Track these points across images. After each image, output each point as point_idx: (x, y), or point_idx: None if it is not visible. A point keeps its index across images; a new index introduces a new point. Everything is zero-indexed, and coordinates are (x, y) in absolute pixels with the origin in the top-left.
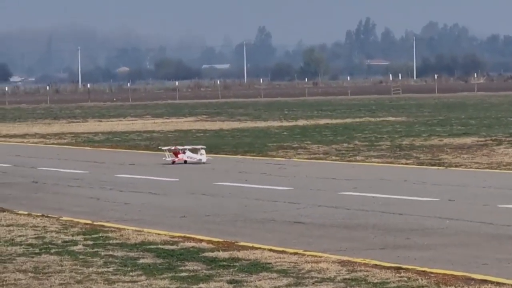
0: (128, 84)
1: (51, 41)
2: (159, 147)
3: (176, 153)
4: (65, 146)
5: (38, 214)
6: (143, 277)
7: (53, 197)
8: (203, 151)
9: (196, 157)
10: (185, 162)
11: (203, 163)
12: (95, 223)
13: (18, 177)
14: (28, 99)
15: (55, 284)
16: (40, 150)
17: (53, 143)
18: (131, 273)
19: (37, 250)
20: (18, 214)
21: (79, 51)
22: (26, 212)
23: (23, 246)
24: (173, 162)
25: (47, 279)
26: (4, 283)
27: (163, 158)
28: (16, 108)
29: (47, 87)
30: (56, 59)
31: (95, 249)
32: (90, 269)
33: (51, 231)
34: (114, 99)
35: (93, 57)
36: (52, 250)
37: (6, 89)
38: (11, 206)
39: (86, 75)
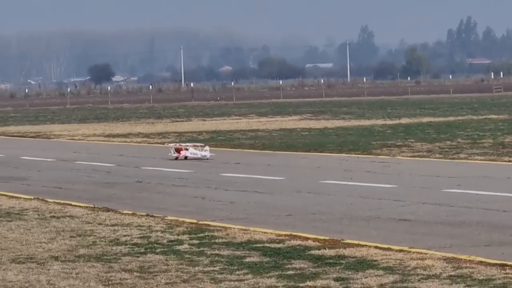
0: (232, 83)
1: (154, 41)
2: (166, 144)
3: (178, 150)
4: (170, 145)
5: (143, 213)
6: (249, 276)
7: (157, 197)
8: (207, 148)
9: (199, 153)
10: (186, 158)
11: (207, 159)
12: (200, 222)
13: (122, 176)
14: (130, 99)
15: (161, 284)
16: (143, 150)
17: (156, 143)
18: (237, 272)
19: (142, 250)
20: (122, 213)
21: (182, 51)
22: (130, 212)
23: (128, 245)
24: (176, 158)
25: (153, 279)
26: (109, 282)
27: (169, 154)
28: (119, 108)
29: (150, 87)
30: (159, 58)
31: (201, 248)
32: (196, 268)
33: (156, 231)
34: (218, 98)
35: (196, 56)
36: (158, 250)
37: (109, 88)
38: (115, 206)
39: (189, 74)
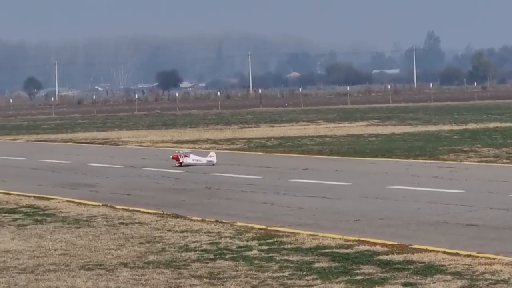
0: (300, 89)
1: (222, 47)
2: (177, 151)
3: (175, 157)
4: (237, 152)
5: (212, 219)
6: (318, 281)
7: (226, 203)
8: (213, 153)
9: (203, 159)
10: (181, 164)
11: (213, 164)
12: (269, 228)
13: (191, 183)
14: (198, 105)
15: None
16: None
17: (225, 149)
18: (306, 277)
19: (211, 256)
20: (192, 220)
21: (250, 57)
22: (200, 218)
23: (197, 252)
24: (180, 164)
25: (222, 285)
26: None
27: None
28: (187, 114)
29: (218, 93)
30: (227, 64)
31: (270, 254)
32: (266, 274)
33: (226, 237)
34: (286, 104)
35: (264, 62)
36: (227, 256)
37: (177, 95)
38: (184, 212)
39: (257, 80)
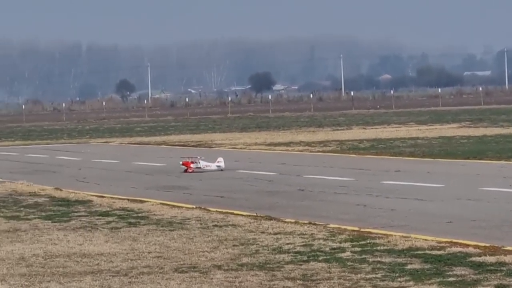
0: (391, 91)
1: (314, 49)
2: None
3: (186, 164)
4: (330, 154)
5: (305, 221)
6: (411, 283)
7: (319, 205)
8: (220, 159)
9: (212, 165)
10: (192, 170)
11: (222, 170)
12: (362, 229)
13: (284, 185)
14: (291, 107)
15: None
16: (305, 158)
17: (318, 151)
18: (399, 279)
19: (305, 258)
20: (285, 222)
21: (342, 59)
22: (293, 220)
23: (291, 253)
24: (186, 171)
25: (316, 286)
26: None
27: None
28: (280, 117)
29: (311, 95)
30: (319, 67)
31: (363, 256)
32: (359, 275)
33: (319, 239)
34: (378, 107)
35: (356, 65)
36: (320, 257)
37: (270, 97)
38: (278, 214)
39: (349, 83)
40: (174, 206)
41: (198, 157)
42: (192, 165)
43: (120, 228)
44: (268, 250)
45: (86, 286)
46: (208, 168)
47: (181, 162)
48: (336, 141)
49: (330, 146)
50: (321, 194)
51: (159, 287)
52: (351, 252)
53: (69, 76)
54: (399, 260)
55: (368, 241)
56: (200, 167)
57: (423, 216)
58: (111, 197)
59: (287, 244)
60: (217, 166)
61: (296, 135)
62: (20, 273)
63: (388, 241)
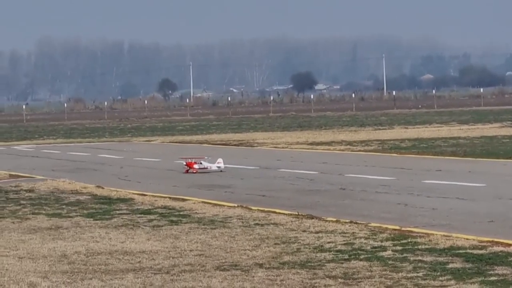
0: (433, 91)
1: (356, 49)
2: (179, 158)
3: (190, 164)
4: (371, 153)
5: (347, 220)
6: (452, 282)
7: (361, 204)
8: (220, 160)
9: (213, 165)
10: (188, 171)
11: (221, 171)
12: (403, 228)
13: (326, 184)
14: (333, 107)
15: None
16: (346, 157)
17: (359, 150)
18: (440, 278)
19: (346, 256)
20: (326, 221)
21: (384, 59)
22: (334, 219)
23: (332, 252)
24: (186, 172)
25: (357, 285)
26: None
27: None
28: (322, 116)
29: (353, 95)
30: (361, 66)
31: (404, 255)
32: (400, 274)
33: (360, 237)
34: (420, 106)
35: (398, 65)
36: (361, 256)
37: (312, 97)
38: (319, 213)
39: (391, 83)
40: (215, 204)
41: (206, 157)
42: (195, 166)
43: (162, 226)
44: (310, 248)
45: (128, 283)
46: (210, 169)
47: (184, 163)
48: (378, 140)
49: (371, 146)
50: (362, 193)
51: (201, 285)
52: (392, 251)
53: (111, 74)
54: (440, 259)
55: (409, 240)
56: (204, 167)
57: (464, 215)
58: (152, 195)
59: (329, 242)
60: (217, 167)
61: (338, 134)
62: (62, 270)
63: (430, 240)
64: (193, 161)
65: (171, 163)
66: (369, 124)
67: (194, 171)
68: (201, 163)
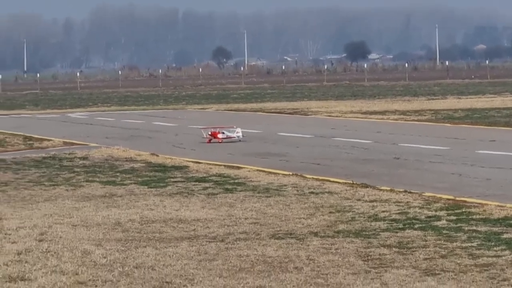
0: (486, 61)
1: (409, 19)
2: (199, 128)
3: (214, 134)
4: (425, 123)
5: (401, 190)
6: (507, 252)
7: (415, 173)
8: (238, 129)
9: (233, 135)
10: (210, 141)
11: (239, 140)
12: (457, 198)
13: (380, 153)
14: (386, 76)
15: (420, 259)
16: (400, 127)
17: (413, 120)
18: (495, 248)
19: (400, 225)
20: (380, 190)
21: (437, 29)
22: (388, 188)
23: (386, 221)
24: (209, 141)
25: (412, 254)
26: (369, 258)
27: (202, 137)
28: (375, 85)
29: (405, 65)
30: (414, 36)
31: (458, 224)
32: (454, 243)
33: (414, 207)
34: (473, 76)
35: (451, 34)
36: (416, 225)
37: (365, 66)
38: (373, 182)
39: (444, 53)
40: (270, 172)
41: (234, 126)
42: (219, 135)
43: (217, 194)
44: (364, 217)
45: (183, 251)
46: (231, 138)
47: (209, 132)
48: (431, 110)
49: (425, 115)
50: (416, 162)
51: (256, 253)
52: (446, 220)
53: (165, 42)
54: (495, 229)
55: (463, 210)
56: (229, 136)
57: None
58: (207, 163)
59: (383, 211)
60: (237, 135)
61: (391, 104)
62: (116, 238)
63: (484, 210)
64: (217, 131)
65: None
66: (422, 94)
67: (220, 141)
68: (223, 133)
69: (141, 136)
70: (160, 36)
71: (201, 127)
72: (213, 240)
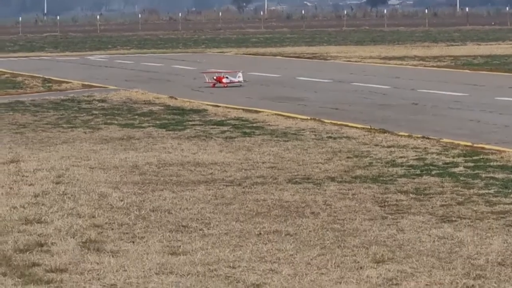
0: (507, 8)
1: None
2: (200, 72)
3: (219, 79)
4: (444, 69)
5: (419, 135)
6: None
7: (433, 119)
8: (240, 74)
9: (235, 79)
10: (214, 85)
11: (240, 85)
12: (475, 145)
13: (398, 98)
14: (406, 22)
15: (436, 206)
16: (419, 73)
17: (432, 66)
18: (511, 195)
19: (418, 172)
20: (398, 135)
21: None
22: (406, 134)
23: (404, 167)
24: (213, 85)
25: (428, 200)
26: (385, 204)
27: (204, 81)
28: (395, 31)
29: (425, 11)
30: None
31: (476, 171)
32: (471, 190)
33: (432, 153)
34: (493, 23)
35: None
36: (433, 172)
37: (385, 11)
38: (391, 127)
39: None
40: (288, 117)
41: (240, 71)
42: (224, 80)
43: (235, 137)
44: (382, 163)
45: (200, 195)
46: (233, 82)
47: (214, 77)
48: (450, 56)
49: (444, 62)
50: (434, 108)
51: (273, 198)
52: (464, 167)
53: None
54: None
55: (481, 157)
56: (232, 81)
57: None
58: (226, 107)
59: (400, 157)
60: (239, 80)
61: (411, 49)
62: (133, 181)
63: (501, 157)
64: (222, 75)
65: (245, 75)
66: (441, 40)
67: (224, 85)
68: (227, 77)
69: (160, 79)
70: None
71: (203, 71)
72: (230, 184)
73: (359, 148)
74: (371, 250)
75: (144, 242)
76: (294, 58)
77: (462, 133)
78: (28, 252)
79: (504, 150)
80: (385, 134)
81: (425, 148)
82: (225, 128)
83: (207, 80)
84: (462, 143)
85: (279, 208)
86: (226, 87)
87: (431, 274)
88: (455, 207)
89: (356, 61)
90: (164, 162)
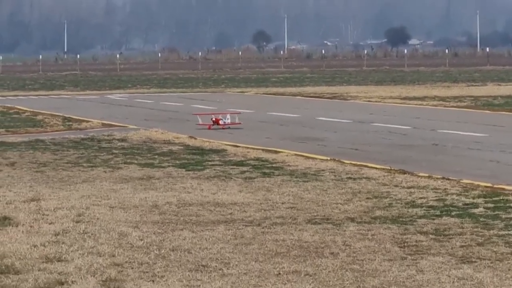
0: None
1: (450, 4)
2: (193, 114)
3: (217, 120)
4: (464, 109)
5: (439, 176)
6: None
7: (453, 160)
8: (228, 116)
9: (228, 121)
10: (210, 127)
11: (229, 127)
12: (495, 186)
13: (418, 139)
14: (426, 62)
15: (456, 246)
16: (439, 113)
17: (452, 106)
18: None
19: (438, 212)
20: (418, 176)
21: (478, 15)
22: (426, 174)
23: (424, 208)
24: (210, 127)
25: (448, 241)
26: (405, 244)
27: (196, 124)
28: (415, 71)
29: (446, 51)
30: (455, 22)
31: (496, 212)
32: (491, 231)
33: (452, 194)
34: None
35: (492, 20)
36: (453, 213)
37: (405, 51)
38: (411, 168)
39: (484, 39)
40: (308, 157)
41: (240, 110)
42: (220, 122)
43: (254, 178)
44: (401, 203)
45: (219, 235)
46: (228, 124)
47: (213, 118)
48: (471, 96)
49: (464, 102)
50: (454, 149)
51: (292, 238)
52: (484, 208)
53: (205, 25)
54: None
55: (501, 198)
56: (225, 123)
57: None
58: (245, 147)
59: (420, 198)
60: (232, 121)
61: (431, 90)
62: (153, 220)
63: None
64: (219, 117)
65: (264, 115)
66: (462, 80)
67: (222, 127)
68: (221, 119)
69: (180, 119)
70: (200, 18)
71: (196, 113)
72: (250, 224)
73: (379, 189)
74: None
75: (164, 281)
76: (314, 98)
77: (482, 173)
78: None
79: None
80: (405, 175)
81: (445, 189)
82: (244, 169)
83: (201, 122)
84: (482, 184)
85: (298, 249)
86: (224, 128)
87: None
88: (475, 248)
89: (376, 101)
90: (184, 202)
